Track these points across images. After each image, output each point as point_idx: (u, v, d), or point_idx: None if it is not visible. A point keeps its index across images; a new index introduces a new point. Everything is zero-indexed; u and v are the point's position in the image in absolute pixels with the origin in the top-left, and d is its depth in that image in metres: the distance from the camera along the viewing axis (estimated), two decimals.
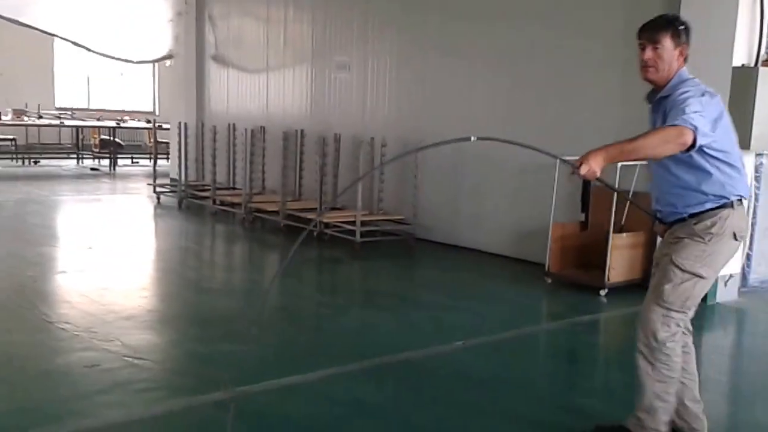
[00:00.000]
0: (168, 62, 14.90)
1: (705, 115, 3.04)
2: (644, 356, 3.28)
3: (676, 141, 2.98)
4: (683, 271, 3.21)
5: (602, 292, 6.29)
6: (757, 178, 6.61)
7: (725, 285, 6.42)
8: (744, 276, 6.79)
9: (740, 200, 3.27)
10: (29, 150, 18.04)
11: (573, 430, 3.53)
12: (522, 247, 7.61)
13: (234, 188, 10.71)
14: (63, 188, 13.43)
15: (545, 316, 6.30)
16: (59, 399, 3.86)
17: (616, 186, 5.77)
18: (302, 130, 9.81)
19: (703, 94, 3.11)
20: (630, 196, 6.14)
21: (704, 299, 6.12)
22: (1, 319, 5.22)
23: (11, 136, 17.44)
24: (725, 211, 3.20)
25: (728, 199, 3.21)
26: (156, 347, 4.82)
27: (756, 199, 6.64)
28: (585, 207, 6.72)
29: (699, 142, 2.99)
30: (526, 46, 7.62)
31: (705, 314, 6.10)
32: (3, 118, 16.28)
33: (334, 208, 8.88)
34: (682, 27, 3.26)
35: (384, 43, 9.23)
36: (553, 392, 4.27)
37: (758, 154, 6.53)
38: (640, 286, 6.36)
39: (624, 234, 6.42)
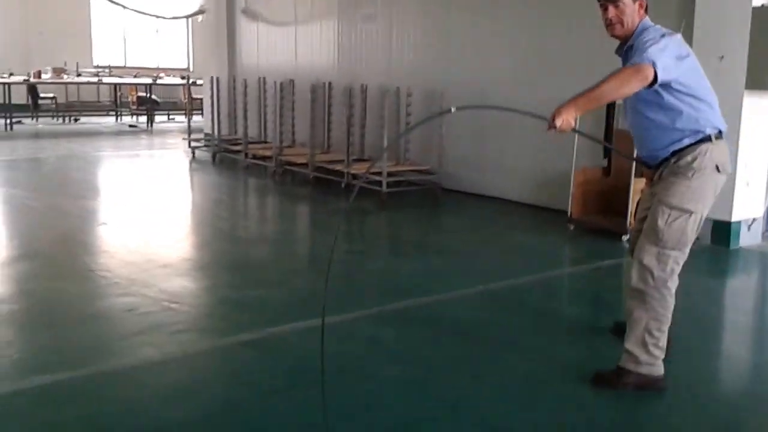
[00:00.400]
0: (200, 17, 14.98)
1: (665, 52, 3.14)
2: (638, 296, 3.37)
3: (636, 77, 3.11)
4: (672, 208, 3.30)
5: (624, 238, 6.34)
6: None
7: (748, 229, 6.40)
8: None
9: (719, 134, 3.34)
10: (69, 108, 18.37)
11: (586, 367, 3.64)
12: (546, 195, 7.66)
13: (265, 142, 10.85)
14: (102, 144, 13.70)
15: (566, 261, 6.36)
16: (100, 340, 4.08)
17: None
18: (330, 83, 9.88)
19: (663, 36, 3.21)
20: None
21: (727, 244, 6.23)
22: (45, 268, 5.45)
23: (51, 95, 17.77)
24: (704, 146, 3.29)
25: (704, 132, 3.30)
26: (190, 293, 5.02)
27: None
28: (607, 153, 6.71)
29: (660, 76, 3.10)
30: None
31: (728, 258, 6.15)
32: (43, 76, 16.58)
33: (361, 160, 8.98)
34: None
35: None
36: (571, 332, 4.34)
37: None
38: None
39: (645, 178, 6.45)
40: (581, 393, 3.44)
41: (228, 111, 11.58)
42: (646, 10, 3.41)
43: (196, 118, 14.53)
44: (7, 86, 15.97)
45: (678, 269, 3.38)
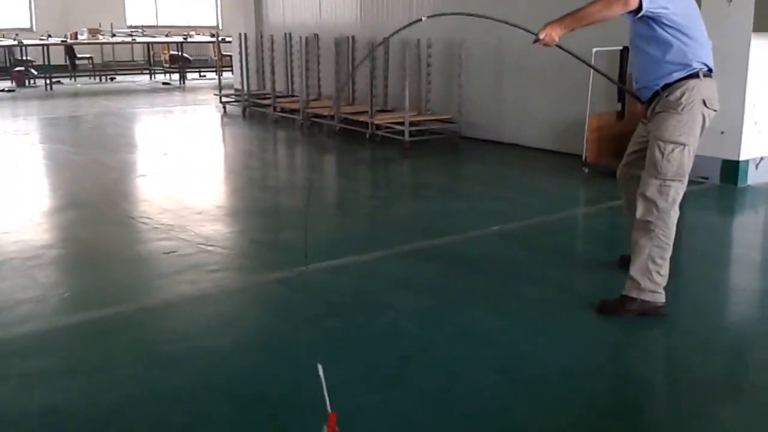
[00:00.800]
0: None
1: None
2: (643, 227, 3.52)
3: (619, 1, 3.27)
4: (666, 142, 3.43)
5: None
6: None
7: (756, 168, 6.44)
8: None
9: (709, 71, 3.46)
10: (105, 67, 18.62)
11: (594, 297, 3.79)
12: (562, 140, 7.75)
13: (293, 96, 10.98)
14: (138, 102, 13.92)
15: (580, 202, 6.48)
16: (141, 279, 4.33)
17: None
18: (353, 36, 9.94)
19: None
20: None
21: (735, 182, 6.30)
22: (89, 216, 5.70)
23: (88, 55, 17.99)
24: (692, 81, 3.42)
25: (692, 67, 3.42)
26: (225, 236, 5.23)
27: None
28: (621, 96, 6.74)
29: (645, 5, 3.25)
30: None
31: (735, 196, 6.22)
32: (79, 37, 16.80)
33: (384, 111, 9.09)
34: None
35: None
36: (582, 266, 4.50)
37: None
38: None
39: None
40: (587, 318, 3.62)
41: (256, 67, 11.70)
42: None
43: (227, 75, 14.68)
44: (45, 48, 16.22)
45: (678, 199, 3.51)
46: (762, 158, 6.48)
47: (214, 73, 15.94)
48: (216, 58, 15.16)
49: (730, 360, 3.32)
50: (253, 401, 2.85)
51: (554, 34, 3.41)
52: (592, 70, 6.45)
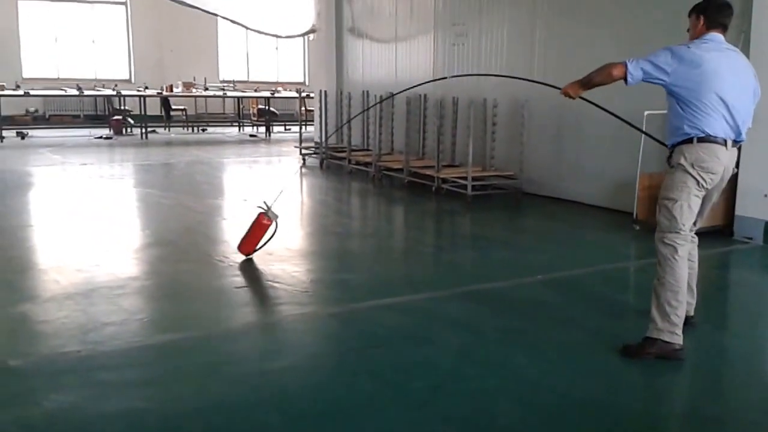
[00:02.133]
0: (312, 36, 15.86)
1: (650, 58, 3.84)
2: (656, 274, 3.89)
3: (608, 70, 3.94)
4: (662, 199, 3.88)
5: None
6: None
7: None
8: None
9: (707, 137, 3.79)
10: (198, 119, 19.66)
11: (624, 342, 4.08)
12: (617, 198, 7.98)
13: (367, 149, 11.54)
14: (226, 152, 14.77)
15: (627, 257, 6.67)
16: (213, 309, 4.82)
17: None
18: (425, 95, 10.46)
19: (670, 47, 3.89)
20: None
21: None
22: (173, 254, 6.27)
23: (182, 107, 19.09)
24: (684, 146, 3.82)
25: (687, 133, 3.81)
26: (290, 275, 5.65)
27: None
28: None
29: (629, 76, 3.85)
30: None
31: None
32: (175, 90, 17.86)
33: (451, 166, 9.52)
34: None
35: (497, 14, 9.69)
36: (619, 314, 4.77)
37: None
38: (721, 233, 6.69)
39: None
40: (611, 361, 3.90)
41: (335, 121, 12.34)
42: (707, 27, 3.95)
43: (309, 128, 15.41)
44: (142, 99, 17.31)
45: (678, 248, 3.87)
46: None
47: (299, 127, 16.73)
48: (300, 112, 15.94)
49: (740, 402, 3.55)
50: (299, 414, 3.26)
51: (572, 91, 4.21)
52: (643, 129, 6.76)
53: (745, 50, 6.50)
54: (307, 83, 22.40)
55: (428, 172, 9.39)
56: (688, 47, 3.89)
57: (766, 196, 6.37)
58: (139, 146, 15.28)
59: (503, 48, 9.56)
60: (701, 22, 3.96)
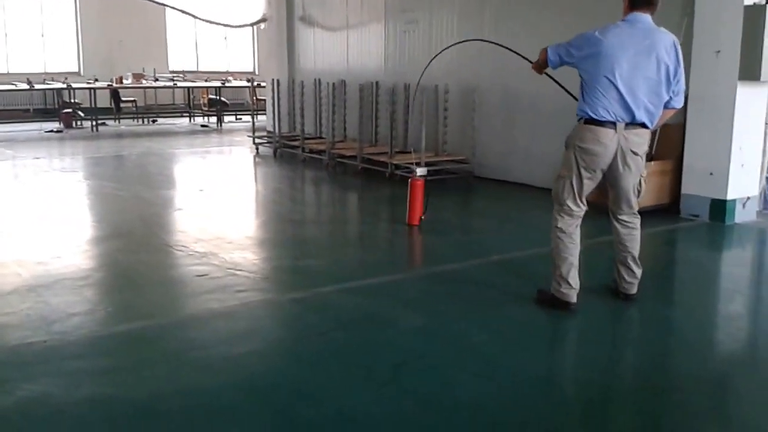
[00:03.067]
0: (262, 25, 15.77)
1: (564, 44, 4.18)
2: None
3: (540, 55, 4.38)
4: (556, 173, 4.31)
5: None
6: None
7: (743, 207, 6.81)
8: (765, 199, 7.12)
9: (590, 119, 4.09)
10: (148, 110, 19.39)
11: (569, 319, 4.27)
12: None
13: (320, 137, 11.57)
14: (178, 143, 14.64)
15: None
16: (175, 297, 4.87)
17: None
18: (377, 82, 10.54)
19: (583, 34, 4.16)
20: None
21: (723, 220, 6.68)
22: (132, 244, 6.24)
23: (132, 98, 18.82)
24: (577, 126, 4.17)
25: (579, 115, 4.12)
26: (251, 262, 5.72)
27: None
28: None
29: (549, 60, 4.23)
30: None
31: (723, 233, 6.59)
32: (124, 82, 17.61)
33: (402, 152, 9.63)
34: None
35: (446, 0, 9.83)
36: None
37: None
38: (668, 210, 6.94)
39: (652, 162, 6.86)
40: (563, 337, 4.08)
41: (288, 110, 12.33)
42: (631, 7, 4.14)
43: (261, 117, 15.36)
44: (92, 91, 17.03)
45: (558, 221, 4.30)
46: (749, 198, 6.85)
47: (250, 116, 16.64)
48: (251, 101, 15.87)
49: (693, 369, 3.75)
50: (266, 395, 3.34)
51: (535, 68, 4.53)
52: None
53: (689, 33, 6.75)
54: (257, 72, 22.27)
55: (382, 158, 9.48)
56: (595, 31, 4.11)
57: (711, 174, 6.61)
58: (90, 139, 15.05)
59: (453, 32, 9.67)
60: (626, 1, 4.14)
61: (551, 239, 4.37)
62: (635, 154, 4.16)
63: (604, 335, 4.21)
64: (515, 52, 4.99)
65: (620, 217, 4.42)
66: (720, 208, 6.71)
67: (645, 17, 4.10)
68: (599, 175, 4.24)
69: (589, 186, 4.27)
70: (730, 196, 6.69)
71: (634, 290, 4.49)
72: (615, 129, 4.07)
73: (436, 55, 7.04)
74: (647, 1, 4.10)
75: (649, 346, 4.11)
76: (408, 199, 6.54)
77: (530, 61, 4.57)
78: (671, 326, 4.41)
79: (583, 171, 4.19)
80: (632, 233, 4.43)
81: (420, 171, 6.67)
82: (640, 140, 4.16)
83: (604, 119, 4.06)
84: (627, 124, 4.08)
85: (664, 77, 4.09)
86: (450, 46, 7.32)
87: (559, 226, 4.31)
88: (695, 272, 5.63)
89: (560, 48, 4.22)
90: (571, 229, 4.31)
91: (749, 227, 6.73)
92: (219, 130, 17.07)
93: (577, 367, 3.86)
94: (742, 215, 6.82)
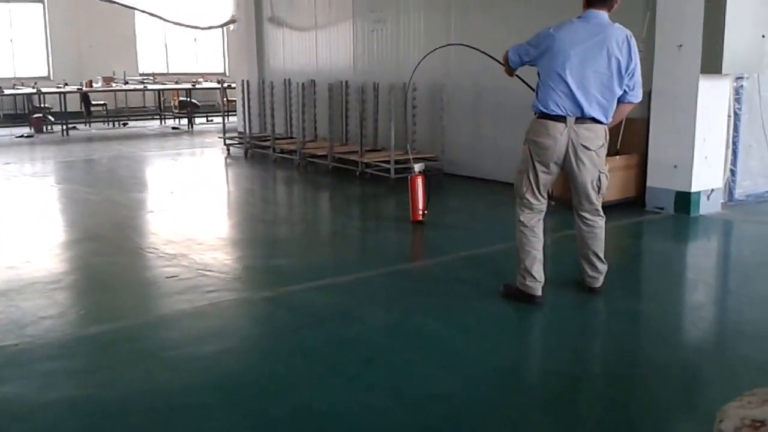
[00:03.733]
0: (232, 26, 15.73)
1: (523, 44, 4.31)
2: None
3: (503, 55, 4.48)
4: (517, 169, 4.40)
5: None
6: (737, 100, 7.02)
7: (708, 198, 6.89)
8: (730, 191, 7.25)
9: (542, 114, 4.21)
10: (118, 113, 19.23)
11: (536, 312, 4.37)
12: None
13: (291, 137, 11.58)
14: (148, 145, 14.56)
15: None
16: (146, 299, 4.89)
17: None
18: (346, 81, 10.57)
19: (540, 32, 4.25)
20: None
21: (687, 211, 6.80)
22: (102, 247, 6.24)
23: (102, 102, 18.66)
24: (532, 120, 4.29)
25: (534, 110, 4.26)
26: (222, 263, 5.72)
27: (737, 119, 7.07)
28: None
29: (510, 60, 4.36)
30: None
31: (688, 224, 6.71)
32: (94, 85, 17.45)
33: (373, 150, 9.69)
34: None
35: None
36: None
37: (738, 78, 6.94)
38: (633, 204, 7.05)
39: (617, 156, 6.97)
40: (529, 330, 4.18)
41: (258, 110, 12.32)
42: (587, 4, 4.23)
43: (232, 119, 15.32)
44: (62, 95, 16.87)
45: (520, 215, 4.38)
46: (713, 190, 6.96)
47: (221, 117, 16.59)
48: (222, 103, 15.82)
49: (658, 358, 3.84)
50: (239, 392, 3.38)
51: (506, 70, 4.59)
52: None
53: (651, 28, 6.86)
54: (227, 74, 22.18)
55: (352, 157, 9.53)
56: (550, 28, 4.22)
57: (675, 167, 6.72)
58: (60, 143, 14.92)
59: (420, 32, 9.74)
60: None
61: (515, 233, 4.44)
62: (586, 148, 4.17)
63: (570, 327, 4.28)
64: (494, 59, 4.91)
65: (582, 213, 4.45)
66: (685, 200, 6.80)
67: (600, 14, 4.16)
68: (555, 169, 4.30)
69: (546, 179, 4.33)
70: (694, 189, 6.77)
71: (598, 284, 4.55)
72: (565, 123, 4.13)
73: (427, 55, 7.16)
74: (603, 0, 4.17)
75: (614, 336, 4.21)
76: (409, 196, 6.56)
77: (503, 64, 4.59)
78: (637, 317, 4.50)
79: (537, 165, 4.26)
80: (594, 232, 4.45)
81: (418, 167, 6.70)
82: (591, 135, 4.17)
83: (554, 113, 4.14)
84: (577, 119, 4.14)
85: (615, 72, 4.12)
86: (440, 47, 7.53)
87: (521, 219, 4.39)
88: (660, 264, 5.74)
89: (520, 48, 4.32)
90: (533, 223, 4.37)
91: (714, 219, 6.84)
92: (190, 132, 17.00)
93: (542, 359, 3.95)
94: (707, 207, 6.89)
